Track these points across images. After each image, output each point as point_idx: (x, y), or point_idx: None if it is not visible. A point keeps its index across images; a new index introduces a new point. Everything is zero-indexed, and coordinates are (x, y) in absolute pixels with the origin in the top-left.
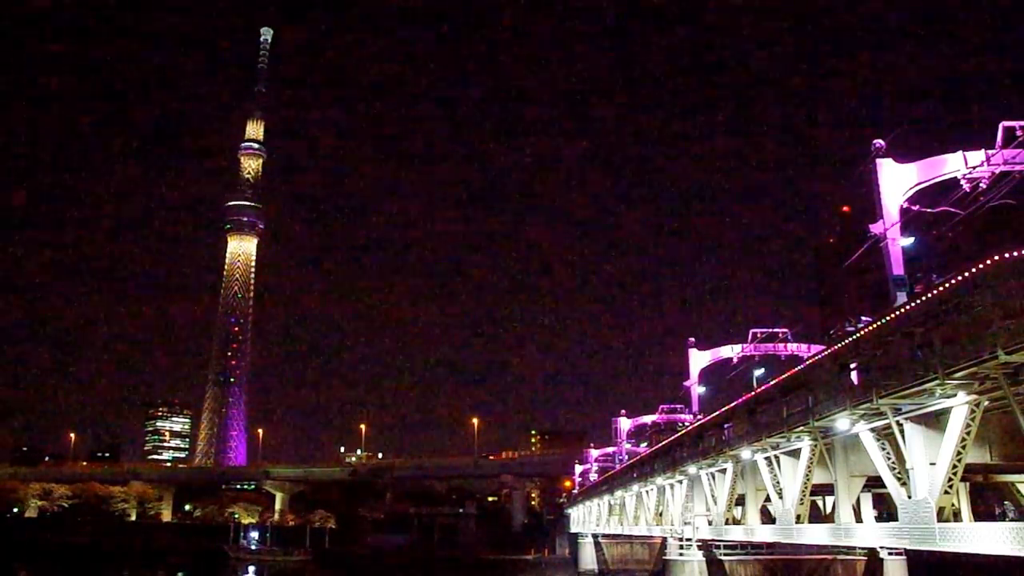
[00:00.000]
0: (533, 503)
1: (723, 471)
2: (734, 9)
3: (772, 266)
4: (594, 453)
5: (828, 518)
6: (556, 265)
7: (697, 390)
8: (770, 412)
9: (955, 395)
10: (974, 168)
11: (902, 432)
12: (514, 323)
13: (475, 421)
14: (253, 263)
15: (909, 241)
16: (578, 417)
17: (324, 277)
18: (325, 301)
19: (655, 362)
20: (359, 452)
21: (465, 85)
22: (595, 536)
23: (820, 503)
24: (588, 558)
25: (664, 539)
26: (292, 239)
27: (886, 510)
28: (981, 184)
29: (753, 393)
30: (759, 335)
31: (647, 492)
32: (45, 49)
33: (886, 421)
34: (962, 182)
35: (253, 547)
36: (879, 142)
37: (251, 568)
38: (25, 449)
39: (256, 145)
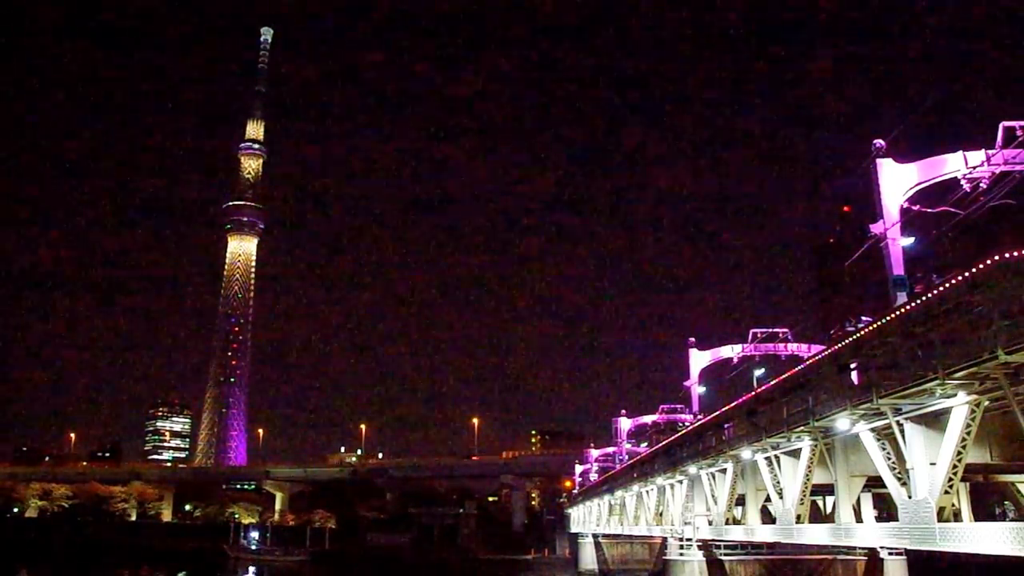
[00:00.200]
0: (533, 503)
1: (723, 471)
2: (734, 7)
3: (772, 266)
4: (594, 453)
5: (828, 518)
6: (556, 265)
7: (697, 390)
8: (770, 412)
9: (955, 395)
10: (974, 168)
11: (902, 432)
12: (514, 323)
13: (475, 421)
14: (253, 263)
15: (909, 241)
16: (578, 417)
17: (324, 277)
18: (325, 301)
19: (655, 362)
20: (359, 452)
21: (465, 85)
22: (595, 536)
23: (820, 503)
24: (588, 558)
25: (664, 539)
26: (292, 239)
27: (886, 510)
28: (981, 184)
29: (753, 393)
30: (759, 335)
31: (647, 492)
32: (45, 49)
33: (886, 421)
34: (962, 182)
35: (253, 547)
36: (879, 142)
37: (251, 568)
38: (25, 449)
39: (256, 145)
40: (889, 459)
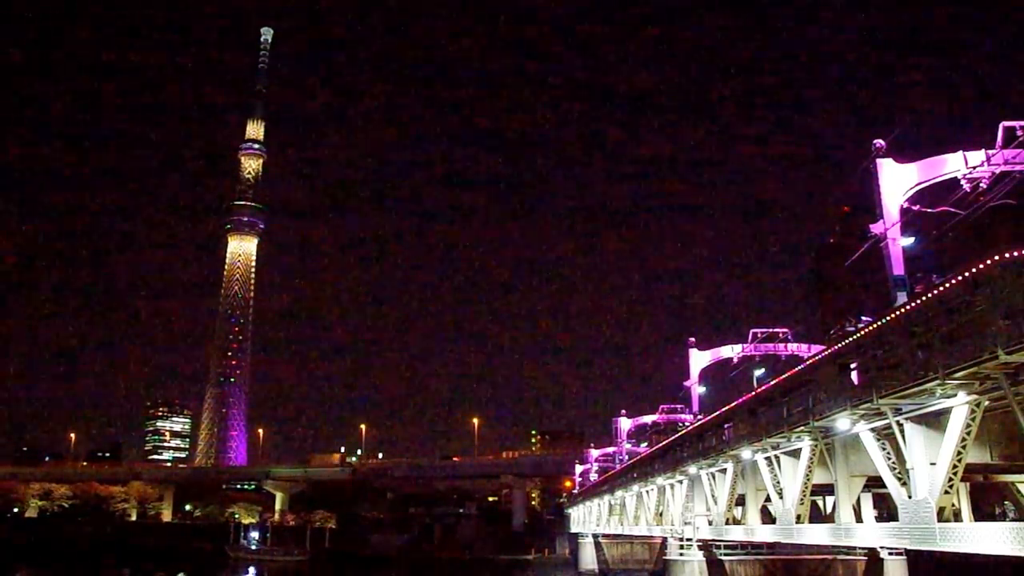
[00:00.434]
0: (533, 503)
1: (723, 471)
2: (734, 7)
3: (772, 266)
4: (594, 453)
5: (828, 518)
6: (556, 265)
7: (697, 390)
8: (770, 412)
9: (955, 395)
10: (974, 168)
11: (902, 432)
12: (514, 323)
13: (475, 421)
14: (253, 263)
15: (909, 241)
16: (578, 417)
17: (324, 277)
18: (325, 301)
19: (655, 362)
20: (359, 452)
21: (467, 84)
22: (595, 536)
23: (820, 503)
24: (588, 558)
25: (664, 539)
26: (292, 239)
27: (886, 510)
28: (981, 184)
29: (753, 393)
30: (759, 335)
31: (647, 492)
32: (45, 49)
33: (886, 421)
34: (962, 182)
35: (253, 547)
36: (879, 142)
37: (251, 568)
38: (25, 449)
39: (256, 145)
40: (889, 459)
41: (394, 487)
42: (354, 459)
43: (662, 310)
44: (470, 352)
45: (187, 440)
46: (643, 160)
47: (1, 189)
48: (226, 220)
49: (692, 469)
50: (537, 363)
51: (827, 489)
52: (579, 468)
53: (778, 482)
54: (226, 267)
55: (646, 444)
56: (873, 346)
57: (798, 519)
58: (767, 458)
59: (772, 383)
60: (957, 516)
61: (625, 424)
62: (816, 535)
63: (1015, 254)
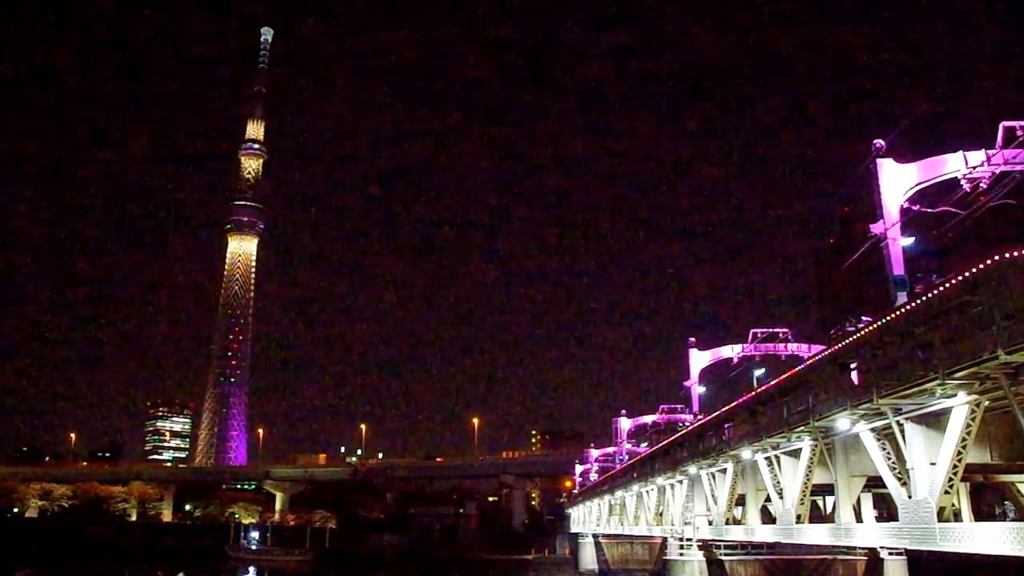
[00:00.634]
0: (533, 503)
1: (723, 471)
2: (734, 7)
3: (772, 266)
4: (594, 453)
5: (828, 518)
6: (557, 265)
7: (697, 390)
8: (770, 412)
9: (955, 395)
10: (974, 168)
11: (902, 432)
12: (514, 323)
13: (475, 421)
14: (253, 263)
15: (909, 241)
16: (578, 417)
17: (324, 277)
18: (325, 301)
19: (655, 362)
20: (359, 452)
21: (467, 83)
22: (595, 536)
23: (820, 503)
24: (588, 558)
25: (664, 539)
26: (292, 239)
27: (886, 510)
28: (981, 184)
29: (753, 393)
30: (759, 335)
31: (647, 492)
32: (45, 49)
33: (886, 421)
34: (962, 182)
35: (253, 547)
36: (879, 142)
37: (251, 568)
38: (25, 449)
39: (256, 145)
40: (889, 459)
41: (394, 487)
42: (354, 459)
43: (662, 310)
44: (470, 352)
45: (187, 440)
46: (643, 159)
47: (1, 189)
48: (226, 220)
49: (692, 469)
50: (537, 363)
51: (827, 489)
52: (579, 468)
53: (778, 482)
54: (226, 267)
55: (646, 444)
56: (873, 346)
57: (798, 519)
58: (767, 458)
59: (772, 383)
60: (957, 516)
61: (625, 424)
62: (816, 535)
63: (1015, 254)
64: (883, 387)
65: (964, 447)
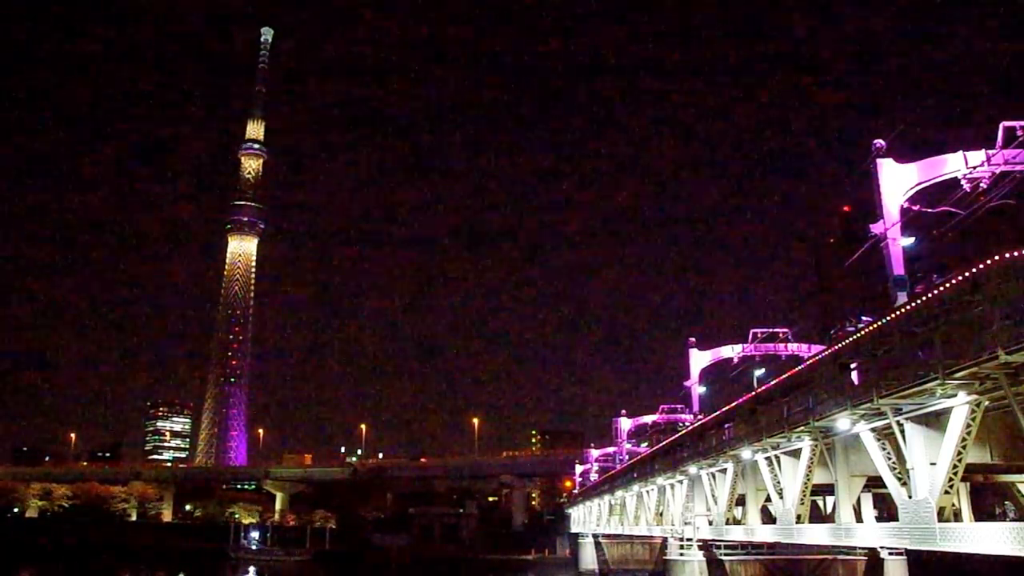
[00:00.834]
0: (533, 503)
1: (724, 471)
2: (734, 6)
3: (772, 266)
4: (594, 453)
5: (828, 518)
6: (557, 265)
7: (697, 390)
8: (770, 412)
9: (955, 395)
10: (974, 168)
11: (902, 432)
12: (514, 323)
13: (475, 421)
14: (253, 263)
15: (910, 241)
16: (578, 417)
17: (324, 277)
18: (325, 301)
19: (655, 362)
20: (359, 452)
21: (468, 83)
22: (595, 536)
23: (820, 503)
24: (589, 558)
25: (664, 539)
26: (292, 239)
27: (886, 510)
28: (981, 184)
29: (754, 393)
30: (759, 335)
31: (647, 492)
32: (45, 49)
33: (886, 421)
34: (962, 182)
35: (254, 547)
36: (879, 142)
37: (251, 568)
38: (25, 449)
39: (256, 145)
40: (889, 459)
41: (394, 487)
42: (354, 459)
43: (662, 310)
44: (470, 352)
45: (187, 440)
46: (643, 160)
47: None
48: (226, 220)
49: (692, 469)
50: (537, 363)
51: (827, 489)
52: (579, 468)
53: (778, 482)
54: (226, 267)
55: (646, 444)
56: (873, 346)
57: (798, 519)
58: (767, 458)
59: (772, 383)
60: (957, 516)
61: (625, 424)
62: (816, 535)
63: (1015, 254)
64: (883, 387)
65: (964, 447)
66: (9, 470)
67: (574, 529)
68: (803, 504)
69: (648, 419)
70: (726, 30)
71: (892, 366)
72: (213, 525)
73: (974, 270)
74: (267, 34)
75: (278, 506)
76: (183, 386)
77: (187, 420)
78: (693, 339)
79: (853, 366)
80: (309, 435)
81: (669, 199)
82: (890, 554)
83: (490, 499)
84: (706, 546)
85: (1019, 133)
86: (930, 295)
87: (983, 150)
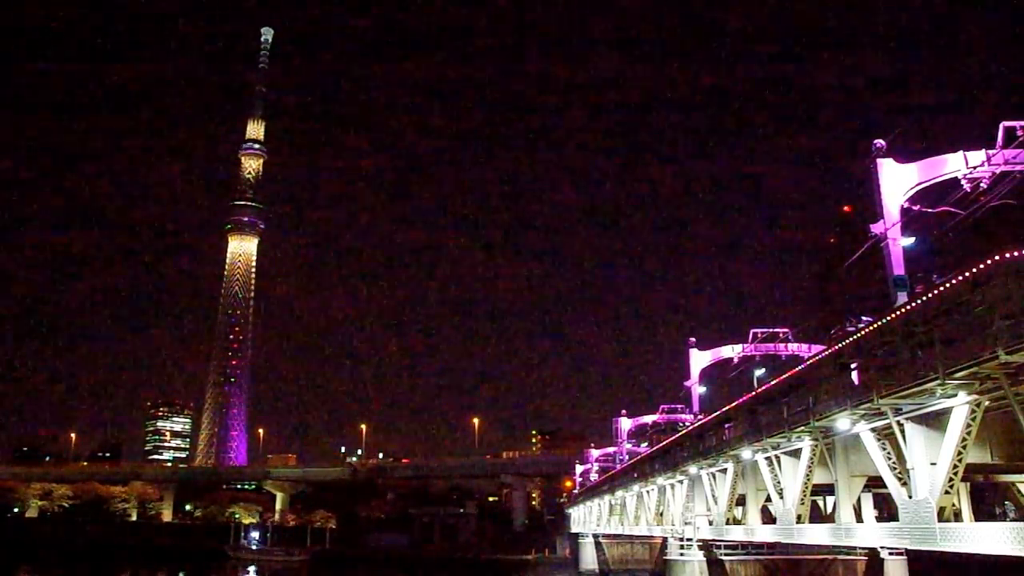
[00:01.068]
0: (533, 503)
1: (724, 471)
2: (735, 6)
3: (772, 266)
4: (595, 453)
5: (829, 518)
6: (556, 265)
7: (697, 390)
8: (771, 412)
9: (956, 395)
10: (975, 168)
11: (903, 432)
12: (515, 323)
13: (475, 421)
14: (253, 263)
15: (910, 241)
16: (578, 417)
17: (324, 277)
18: (325, 301)
19: (655, 362)
20: (359, 452)
21: (468, 83)
22: (596, 536)
23: (821, 503)
24: (589, 558)
25: (665, 539)
26: (292, 239)
27: (887, 510)
28: (982, 184)
29: (754, 393)
30: (760, 335)
31: (648, 492)
32: (46, 49)
33: (887, 421)
34: (963, 182)
35: (254, 547)
36: (880, 142)
37: (252, 568)
38: (25, 449)
39: (257, 145)
40: (889, 459)
41: (394, 487)
42: (354, 459)
43: (662, 310)
44: (470, 352)
45: (187, 440)
46: (643, 160)
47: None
48: (226, 220)
49: (692, 469)
50: (537, 363)
51: (827, 489)
52: (579, 468)
53: (778, 482)
54: (226, 267)
55: (646, 444)
56: (873, 346)
57: (798, 519)
58: (767, 458)
59: (772, 383)
60: (957, 516)
61: (625, 424)
62: (816, 535)
63: (1015, 254)
64: (883, 387)
65: (964, 447)
66: (9, 470)
67: (574, 529)
68: (803, 504)
69: (648, 419)
70: (724, 27)
71: (892, 366)
72: (213, 525)
73: (974, 270)
74: (267, 34)
75: (278, 506)
76: (183, 386)
77: (187, 420)
78: (693, 339)
79: (853, 366)
80: (309, 435)
81: (670, 199)
82: (890, 554)
83: (490, 499)
84: (706, 546)
85: (1019, 133)
86: (930, 295)
87: (983, 150)
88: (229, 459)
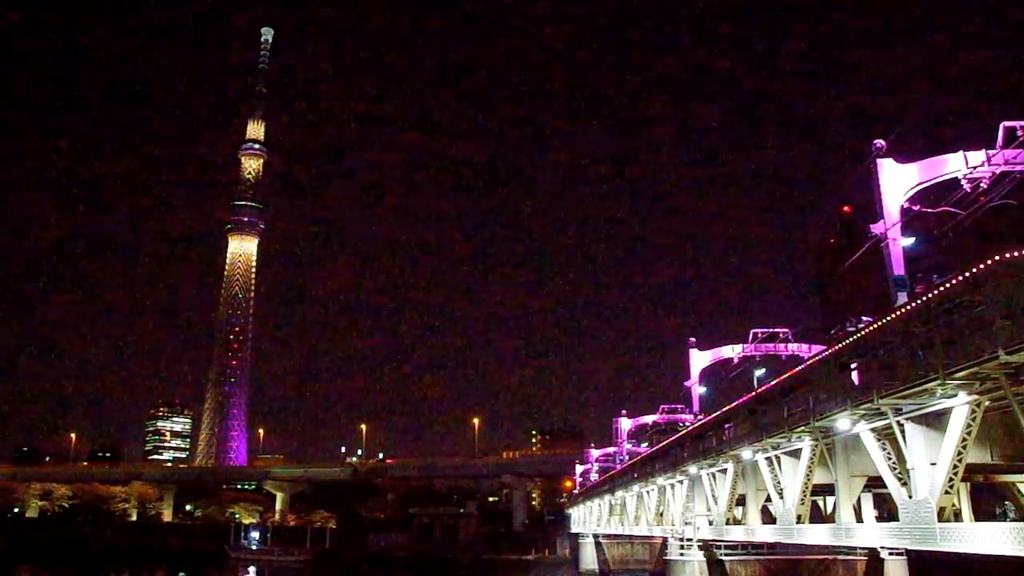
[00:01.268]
0: (534, 503)
1: (724, 471)
2: (735, 6)
3: (773, 266)
4: (595, 453)
5: (829, 518)
6: (557, 265)
7: (698, 390)
8: (771, 412)
9: (956, 395)
10: (975, 168)
11: (903, 432)
12: (515, 323)
13: (475, 421)
14: (253, 263)
15: (910, 241)
16: (578, 417)
17: (324, 277)
18: (325, 301)
19: (655, 362)
20: (359, 452)
21: (468, 83)
22: (596, 536)
23: (821, 503)
24: (589, 558)
25: (665, 539)
26: (292, 239)
27: (887, 510)
28: (982, 184)
29: (754, 393)
30: (760, 335)
31: (648, 492)
32: (46, 49)
33: (887, 421)
34: (963, 182)
35: (254, 547)
36: (880, 142)
37: (252, 568)
38: (25, 449)
39: (257, 145)
40: (889, 459)
41: (394, 487)
42: (354, 459)
43: (662, 310)
44: (470, 352)
45: (187, 440)
46: (643, 160)
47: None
48: (226, 220)
49: (692, 469)
50: (537, 363)
51: (827, 489)
52: (579, 468)
53: (778, 482)
54: (226, 267)
55: (646, 444)
56: (873, 346)
57: (798, 519)
58: (767, 458)
59: (772, 383)
60: (957, 516)
61: (625, 424)
62: (816, 535)
63: (1015, 254)
64: (883, 387)
65: (964, 447)
66: (9, 470)
67: (574, 529)
68: (803, 504)
69: (648, 419)
70: (724, 27)
71: (892, 366)
72: (213, 525)
73: (974, 270)
74: (267, 34)
75: (278, 506)
76: (183, 386)
77: (187, 420)
78: (693, 339)
79: (853, 366)
80: (309, 435)
81: (670, 199)
82: (890, 554)
83: (490, 499)
84: (706, 546)
85: (1019, 133)
86: (930, 295)
87: (983, 150)
88: (229, 459)
